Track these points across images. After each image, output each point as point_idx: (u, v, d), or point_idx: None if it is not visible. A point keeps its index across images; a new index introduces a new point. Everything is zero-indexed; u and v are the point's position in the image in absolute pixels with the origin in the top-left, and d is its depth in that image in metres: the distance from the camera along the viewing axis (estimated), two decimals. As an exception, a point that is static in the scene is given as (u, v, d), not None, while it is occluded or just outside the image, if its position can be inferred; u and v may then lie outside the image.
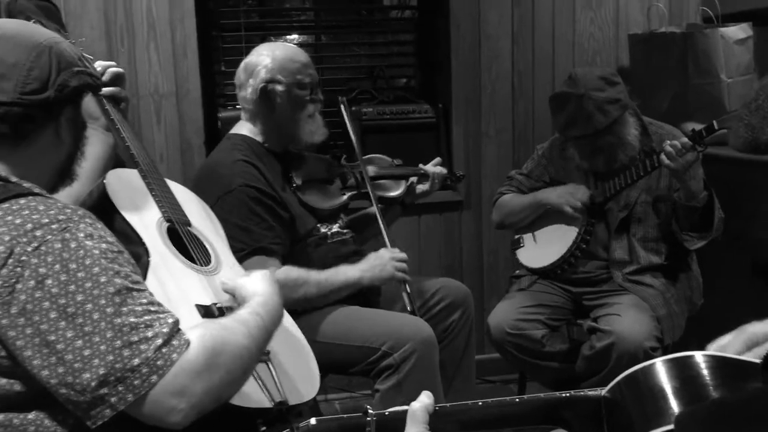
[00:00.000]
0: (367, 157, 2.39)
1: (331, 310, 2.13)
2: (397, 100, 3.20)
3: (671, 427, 0.80)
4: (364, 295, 2.24)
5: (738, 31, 2.70)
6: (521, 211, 2.59)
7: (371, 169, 2.34)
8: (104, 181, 1.58)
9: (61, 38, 1.29)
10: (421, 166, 2.43)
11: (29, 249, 1.10)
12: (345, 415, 0.99)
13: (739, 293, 2.54)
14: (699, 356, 0.87)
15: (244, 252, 1.99)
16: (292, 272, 2.05)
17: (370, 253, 2.17)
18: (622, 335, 2.25)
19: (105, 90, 1.80)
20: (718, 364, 0.86)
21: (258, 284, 1.44)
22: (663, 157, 2.19)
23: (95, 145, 1.60)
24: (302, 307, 2.06)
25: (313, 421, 0.98)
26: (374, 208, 2.24)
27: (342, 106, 2.31)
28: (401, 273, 2.13)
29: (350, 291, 2.12)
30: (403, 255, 2.16)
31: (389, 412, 0.99)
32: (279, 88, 2.16)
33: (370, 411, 0.98)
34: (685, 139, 2.18)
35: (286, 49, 2.23)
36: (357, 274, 2.12)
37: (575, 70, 2.52)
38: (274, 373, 1.45)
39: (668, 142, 2.21)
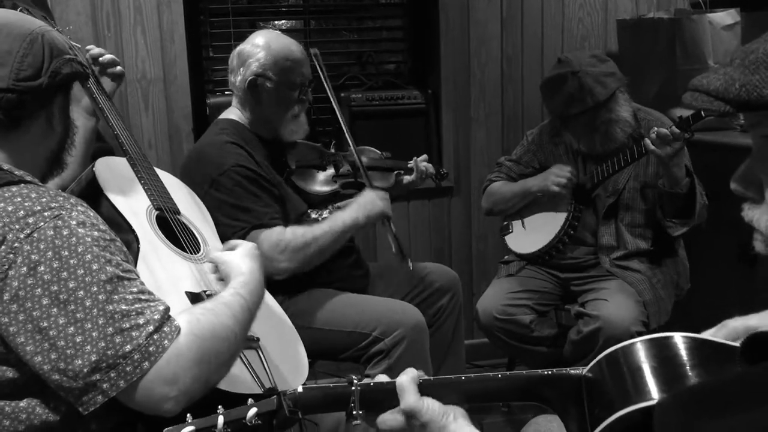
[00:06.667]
0: (358, 148, 2.40)
1: (321, 296, 2.14)
2: (386, 85, 3.18)
3: (649, 403, 0.82)
4: (354, 279, 2.26)
5: (726, 16, 2.71)
6: (510, 198, 2.60)
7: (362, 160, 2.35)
8: (93, 169, 1.58)
9: (50, 26, 1.29)
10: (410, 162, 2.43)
11: (22, 236, 1.10)
12: (330, 384, 1.01)
13: (726, 278, 2.57)
14: (678, 337, 0.89)
15: (246, 230, 1.99)
16: (297, 230, 2.04)
17: (355, 197, 2.18)
18: (608, 320, 2.27)
19: (106, 57, 1.80)
20: (696, 344, 0.88)
21: (242, 262, 1.43)
22: (648, 142, 2.20)
23: (78, 128, 1.60)
24: (316, 262, 2.06)
25: (300, 388, 1.00)
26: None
27: (315, 60, 2.22)
28: (388, 210, 2.16)
29: (352, 234, 2.14)
30: (386, 193, 2.20)
31: (374, 382, 1.01)
32: (268, 84, 2.15)
33: (354, 380, 1.00)
34: (675, 128, 2.19)
35: (283, 44, 2.17)
36: (353, 215, 2.11)
37: (563, 54, 2.52)
38: (264, 359, 1.46)
39: (656, 129, 2.22)
